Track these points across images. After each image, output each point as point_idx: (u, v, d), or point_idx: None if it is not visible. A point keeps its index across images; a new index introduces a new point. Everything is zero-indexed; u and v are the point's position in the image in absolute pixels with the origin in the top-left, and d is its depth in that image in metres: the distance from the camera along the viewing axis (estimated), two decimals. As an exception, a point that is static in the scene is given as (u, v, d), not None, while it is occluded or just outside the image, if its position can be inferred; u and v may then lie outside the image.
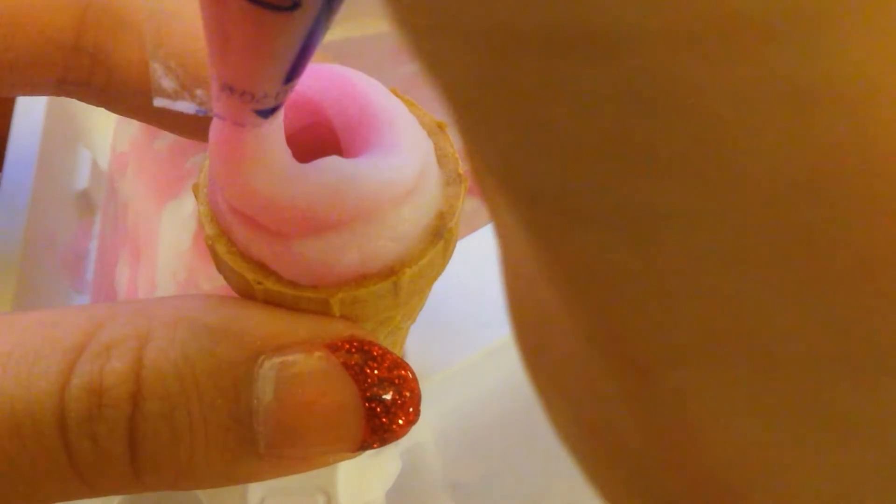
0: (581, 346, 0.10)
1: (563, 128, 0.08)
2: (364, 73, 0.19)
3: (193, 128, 0.24)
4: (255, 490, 0.23)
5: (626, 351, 0.09)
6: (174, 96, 0.17)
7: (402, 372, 0.18)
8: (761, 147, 0.07)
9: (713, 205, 0.08)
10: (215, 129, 0.17)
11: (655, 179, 0.08)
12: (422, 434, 0.27)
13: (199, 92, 0.17)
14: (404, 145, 0.18)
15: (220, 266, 0.19)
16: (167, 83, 0.17)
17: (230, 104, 0.15)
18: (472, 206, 0.43)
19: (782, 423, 0.09)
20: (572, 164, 0.08)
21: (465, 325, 0.26)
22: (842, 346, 0.08)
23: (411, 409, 0.18)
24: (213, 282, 0.38)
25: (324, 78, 0.18)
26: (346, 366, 0.18)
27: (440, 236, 0.18)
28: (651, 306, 0.09)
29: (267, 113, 0.16)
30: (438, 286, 0.20)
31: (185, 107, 0.17)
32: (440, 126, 0.19)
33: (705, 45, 0.07)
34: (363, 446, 0.18)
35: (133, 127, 0.35)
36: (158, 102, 0.17)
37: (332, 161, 0.17)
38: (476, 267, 0.26)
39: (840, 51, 0.07)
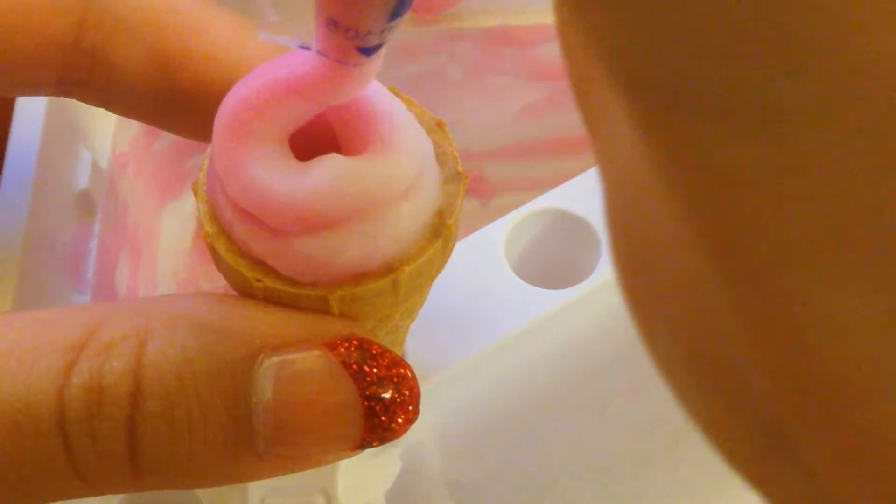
0: (691, 256, 0.10)
1: (696, 18, 0.08)
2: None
3: (193, 128, 0.24)
4: (255, 490, 0.23)
5: (740, 253, 0.09)
6: (277, 29, 0.17)
7: (401, 370, 0.18)
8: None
9: (844, 101, 0.08)
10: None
11: (786, 73, 0.08)
12: (422, 434, 0.27)
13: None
14: (403, 143, 0.18)
15: (220, 264, 0.19)
16: (272, 15, 0.16)
17: (334, 40, 0.15)
18: (471, 205, 0.43)
19: None
20: (701, 56, 0.08)
21: (465, 325, 0.26)
22: None
23: (410, 408, 0.18)
24: (213, 281, 0.38)
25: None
26: (345, 364, 0.18)
27: (439, 234, 0.18)
28: (770, 205, 0.08)
29: (370, 51, 0.15)
30: (438, 286, 0.20)
31: (288, 41, 0.17)
32: (439, 124, 0.19)
33: None
34: (362, 445, 0.18)
35: (133, 127, 0.35)
36: (263, 36, 0.16)
37: (331, 159, 0.17)
38: (476, 267, 0.26)
39: None
